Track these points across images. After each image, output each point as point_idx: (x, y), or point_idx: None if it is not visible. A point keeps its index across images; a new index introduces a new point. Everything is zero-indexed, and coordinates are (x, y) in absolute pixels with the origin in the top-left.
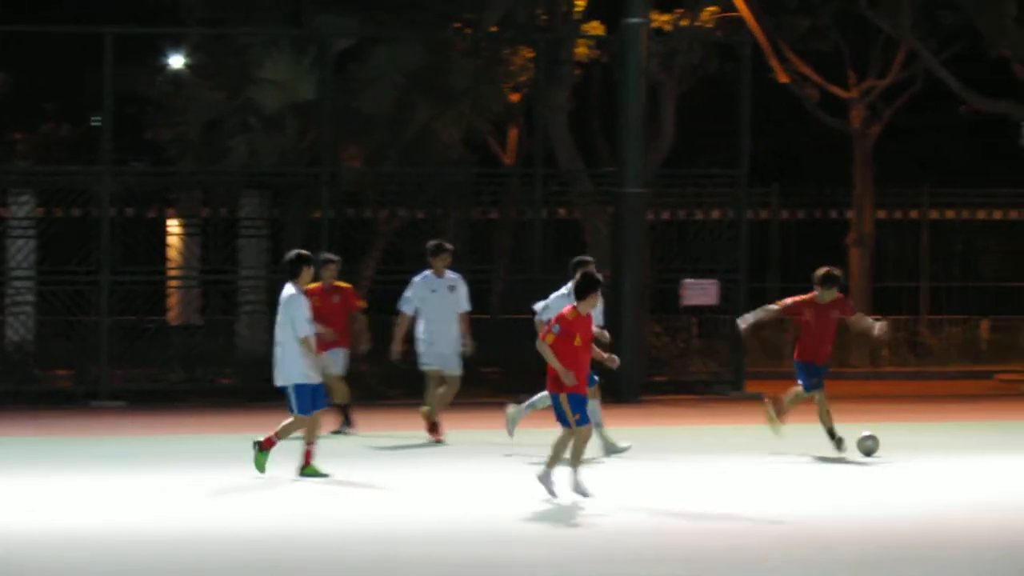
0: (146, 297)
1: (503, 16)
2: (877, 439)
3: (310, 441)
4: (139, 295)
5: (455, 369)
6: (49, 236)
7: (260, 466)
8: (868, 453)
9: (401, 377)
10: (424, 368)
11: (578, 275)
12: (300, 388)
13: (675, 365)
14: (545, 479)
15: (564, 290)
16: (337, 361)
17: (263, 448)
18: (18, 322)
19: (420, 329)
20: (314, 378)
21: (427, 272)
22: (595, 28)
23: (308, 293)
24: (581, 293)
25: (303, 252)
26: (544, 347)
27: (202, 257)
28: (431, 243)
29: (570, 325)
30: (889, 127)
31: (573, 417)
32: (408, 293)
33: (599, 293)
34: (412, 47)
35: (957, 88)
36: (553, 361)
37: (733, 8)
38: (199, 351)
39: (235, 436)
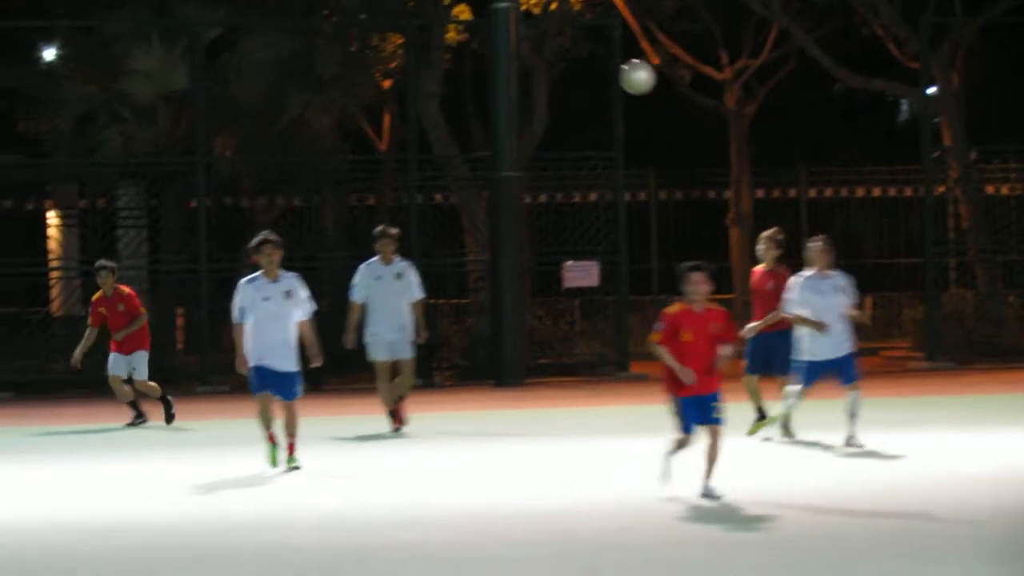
0: (27, 289)
1: (372, 2)
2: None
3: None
4: (20, 287)
5: (406, 354)
6: None
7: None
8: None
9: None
10: (371, 359)
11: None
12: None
13: (558, 347)
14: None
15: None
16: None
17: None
18: None
19: (366, 318)
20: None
21: (374, 259)
22: (464, 13)
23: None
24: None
25: (267, 236)
26: (652, 346)
27: (81, 248)
28: (377, 228)
29: (675, 320)
30: (764, 107)
31: (679, 423)
32: (355, 280)
33: (703, 284)
34: (281, 35)
35: (831, 67)
36: (668, 360)
37: None
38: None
39: (118, 426)
